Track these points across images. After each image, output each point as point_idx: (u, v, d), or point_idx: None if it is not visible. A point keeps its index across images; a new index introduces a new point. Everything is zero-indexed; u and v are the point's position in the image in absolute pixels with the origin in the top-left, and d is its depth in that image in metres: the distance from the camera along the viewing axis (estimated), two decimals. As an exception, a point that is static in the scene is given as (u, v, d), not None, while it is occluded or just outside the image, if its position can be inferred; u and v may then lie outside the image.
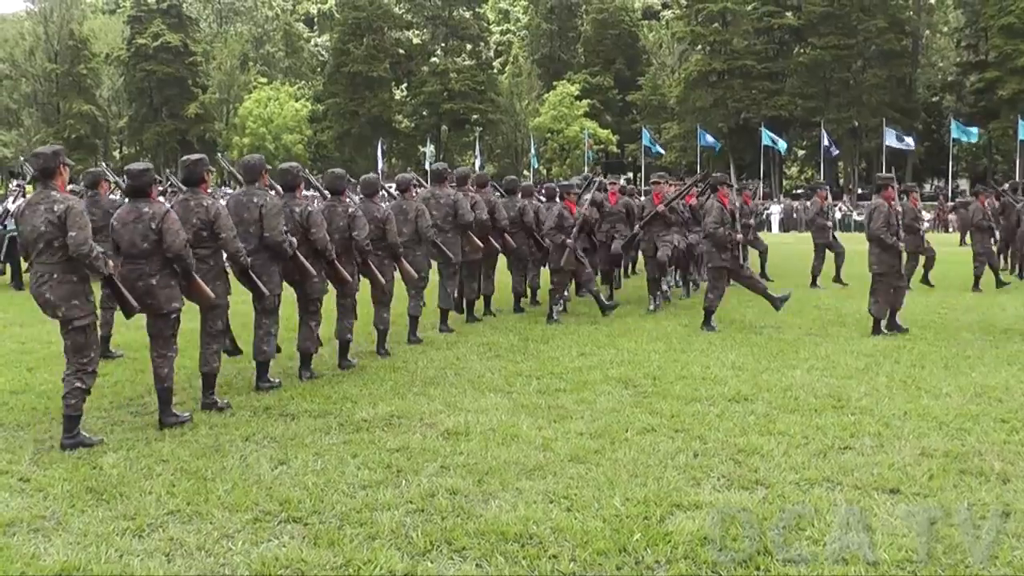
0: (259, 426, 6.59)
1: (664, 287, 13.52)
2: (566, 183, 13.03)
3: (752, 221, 17.38)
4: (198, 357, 7.34)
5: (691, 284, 15.07)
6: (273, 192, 8.14)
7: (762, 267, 17.22)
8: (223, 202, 7.83)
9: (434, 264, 10.89)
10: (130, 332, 9.87)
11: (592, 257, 15.09)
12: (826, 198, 17.88)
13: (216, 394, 7.23)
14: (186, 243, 6.59)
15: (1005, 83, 52.91)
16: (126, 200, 6.99)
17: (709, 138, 56.47)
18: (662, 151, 60.54)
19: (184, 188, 7.33)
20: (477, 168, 51.42)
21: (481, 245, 11.26)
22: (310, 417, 6.84)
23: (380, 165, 57.81)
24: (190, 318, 7.77)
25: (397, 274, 9.64)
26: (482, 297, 12.23)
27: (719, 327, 11.16)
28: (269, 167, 8.16)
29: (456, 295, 11.46)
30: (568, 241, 11.46)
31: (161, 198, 8.39)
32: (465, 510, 4.88)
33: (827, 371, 8.51)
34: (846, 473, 5.45)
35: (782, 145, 55.27)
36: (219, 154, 44.94)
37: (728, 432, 6.35)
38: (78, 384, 6.12)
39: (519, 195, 12.63)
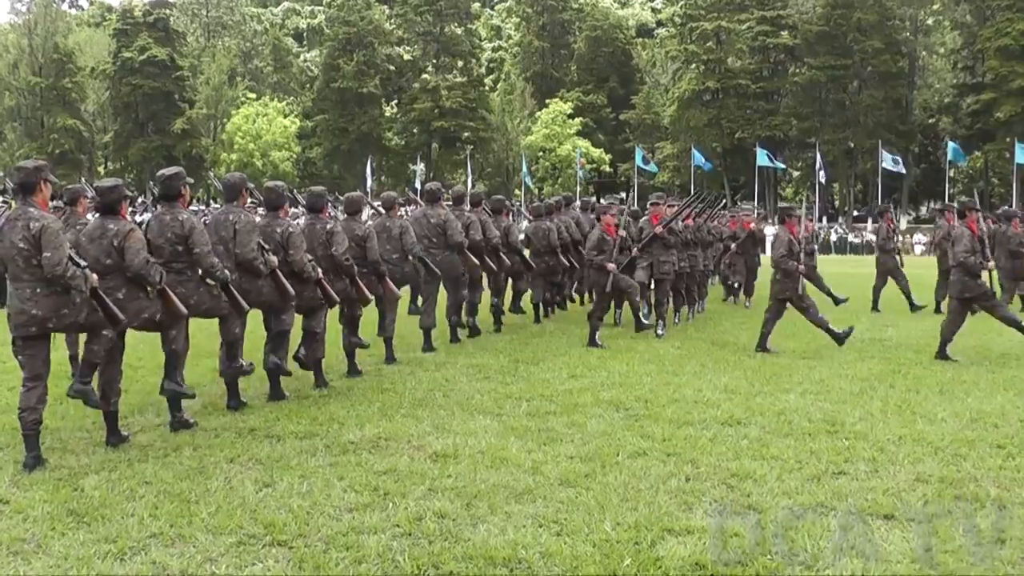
0: (244, 448, 6.58)
1: (645, 309, 13.57)
2: (604, 204, 13.01)
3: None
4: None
5: (695, 308, 14.99)
6: (258, 210, 8.19)
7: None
8: (207, 219, 7.87)
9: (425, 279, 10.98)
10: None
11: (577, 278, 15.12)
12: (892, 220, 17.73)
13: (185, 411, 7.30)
14: (147, 261, 6.62)
15: (1001, 105, 53.30)
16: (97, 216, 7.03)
17: (702, 158, 56.66)
18: (655, 168, 60.73)
19: (162, 203, 7.35)
20: (469, 187, 51.53)
21: (477, 263, 11.37)
22: (296, 439, 6.84)
23: (369, 183, 57.84)
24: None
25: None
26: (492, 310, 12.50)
27: (714, 349, 11.19)
28: (252, 185, 8.18)
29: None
30: (610, 265, 11.35)
31: (146, 213, 8.40)
32: (453, 534, 4.88)
33: (821, 395, 8.54)
34: (840, 498, 5.47)
35: (778, 165, 55.50)
36: (210, 172, 44.93)
37: (721, 456, 6.37)
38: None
39: (504, 214, 12.83)
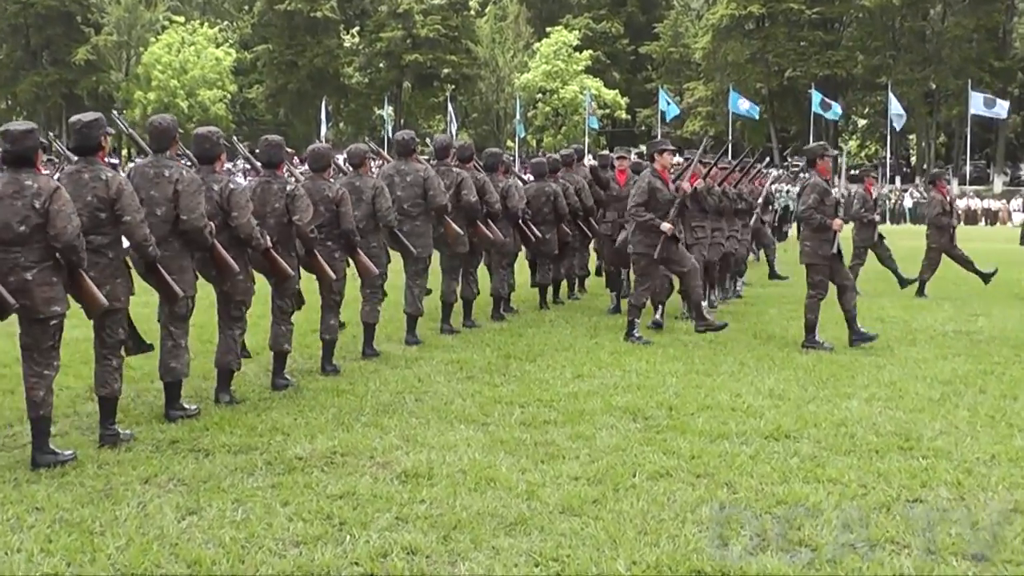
0: (163, 464, 6.56)
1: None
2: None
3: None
4: (92, 376, 7.29)
5: (715, 292, 15.00)
6: (188, 164, 8.11)
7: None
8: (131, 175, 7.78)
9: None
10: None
11: (582, 253, 15.09)
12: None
13: (117, 424, 7.18)
14: (79, 231, 6.52)
15: (1122, 36, 53.43)
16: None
17: (744, 103, 56.53)
18: (675, 110, 60.55)
19: (75, 157, 7.25)
20: (453, 137, 51.47)
21: (461, 233, 11.26)
22: (229, 453, 6.82)
23: (324, 130, 57.87)
24: (77, 324, 7.74)
25: (351, 270, 9.71)
26: (462, 302, 12.24)
27: (756, 344, 11.20)
28: (182, 131, 8.13)
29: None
30: (666, 227, 11.10)
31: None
32: (427, 574, 4.87)
33: (892, 402, 8.54)
34: (915, 533, 5.47)
35: (835, 111, 55.49)
36: (115, 113, 44.79)
37: (764, 479, 6.37)
38: None
39: (501, 173, 12.70)
